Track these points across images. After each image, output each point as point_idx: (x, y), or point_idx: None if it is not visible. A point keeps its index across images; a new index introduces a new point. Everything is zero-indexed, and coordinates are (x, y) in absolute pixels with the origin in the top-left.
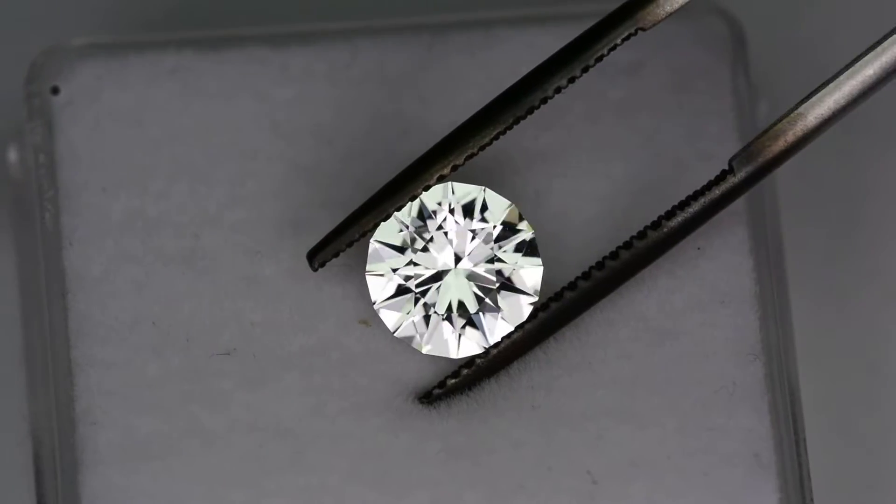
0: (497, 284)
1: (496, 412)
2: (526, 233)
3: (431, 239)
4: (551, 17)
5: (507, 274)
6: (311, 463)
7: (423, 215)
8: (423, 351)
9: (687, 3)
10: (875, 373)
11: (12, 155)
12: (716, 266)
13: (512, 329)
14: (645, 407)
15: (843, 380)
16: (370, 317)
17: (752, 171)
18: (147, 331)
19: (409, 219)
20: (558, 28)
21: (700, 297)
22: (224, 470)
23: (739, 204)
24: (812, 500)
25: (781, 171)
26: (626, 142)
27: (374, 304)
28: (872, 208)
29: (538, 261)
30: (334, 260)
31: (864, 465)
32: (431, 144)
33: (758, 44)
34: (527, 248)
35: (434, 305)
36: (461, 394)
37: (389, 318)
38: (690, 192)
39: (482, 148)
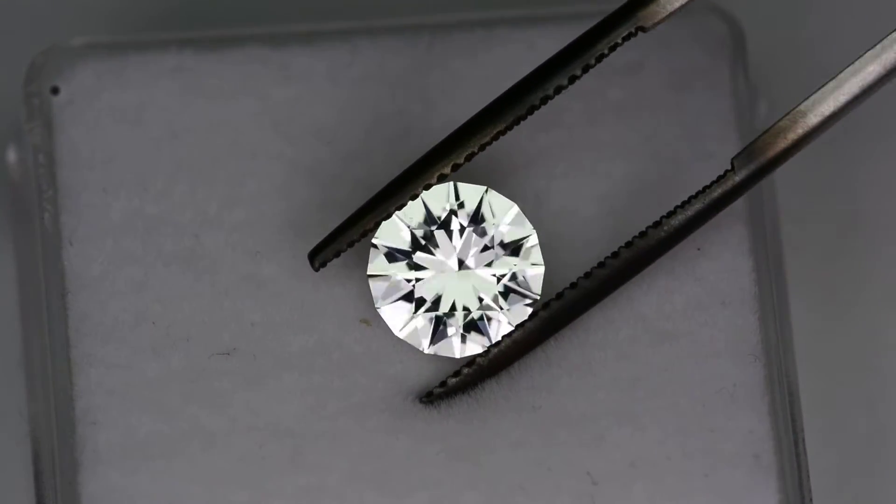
0: (499, 285)
1: (496, 413)
2: (528, 234)
3: (434, 240)
4: (551, 18)
5: (509, 275)
6: (311, 463)
7: (426, 216)
8: (426, 351)
9: (687, 3)
10: (874, 373)
11: (12, 155)
12: (716, 266)
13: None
14: (645, 408)
15: (843, 380)
16: (371, 316)
17: (753, 170)
18: (147, 331)
19: (412, 220)
20: (558, 28)
21: (700, 298)
22: (224, 470)
23: (739, 204)
24: (811, 500)
25: (781, 172)
26: (625, 142)
27: (376, 305)
28: (871, 209)
29: (540, 262)
30: (334, 259)
31: (864, 466)
32: (432, 144)
33: (757, 44)
34: (529, 250)
35: (437, 306)
36: (462, 393)
37: (392, 318)
38: (690, 192)
39: (483, 147)
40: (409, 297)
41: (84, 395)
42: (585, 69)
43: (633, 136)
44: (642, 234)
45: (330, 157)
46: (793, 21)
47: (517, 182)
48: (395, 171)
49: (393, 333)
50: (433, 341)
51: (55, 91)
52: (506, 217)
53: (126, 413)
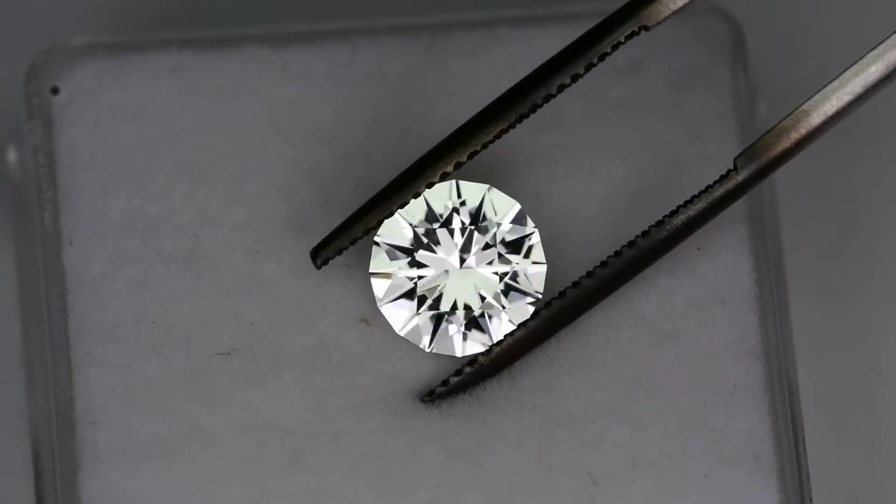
0: (501, 284)
1: (497, 412)
2: (530, 232)
3: (436, 238)
4: (551, 17)
5: (511, 274)
6: (311, 463)
7: (429, 215)
8: (428, 350)
9: (690, 3)
10: (874, 373)
11: (12, 155)
12: (716, 266)
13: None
14: (645, 408)
15: (843, 380)
16: (371, 315)
17: (756, 170)
18: (147, 330)
19: (415, 218)
20: (558, 28)
21: (700, 298)
22: (224, 470)
23: (739, 204)
24: (811, 500)
25: (781, 171)
26: (625, 142)
27: (378, 302)
28: (871, 208)
29: (542, 260)
30: (334, 259)
31: (864, 466)
32: (431, 144)
33: (757, 44)
34: (531, 249)
35: (438, 304)
36: (463, 392)
37: (394, 316)
38: (690, 192)
39: (486, 145)
40: (410, 294)
41: (84, 395)
42: (588, 68)
43: (634, 135)
44: (644, 234)
45: (330, 157)
46: (793, 21)
47: (518, 182)
48: (395, 171)
49: (393, 333)
50: (434, 339)
51: (55, 91)
52: (508, 215)
53: (126, 413)
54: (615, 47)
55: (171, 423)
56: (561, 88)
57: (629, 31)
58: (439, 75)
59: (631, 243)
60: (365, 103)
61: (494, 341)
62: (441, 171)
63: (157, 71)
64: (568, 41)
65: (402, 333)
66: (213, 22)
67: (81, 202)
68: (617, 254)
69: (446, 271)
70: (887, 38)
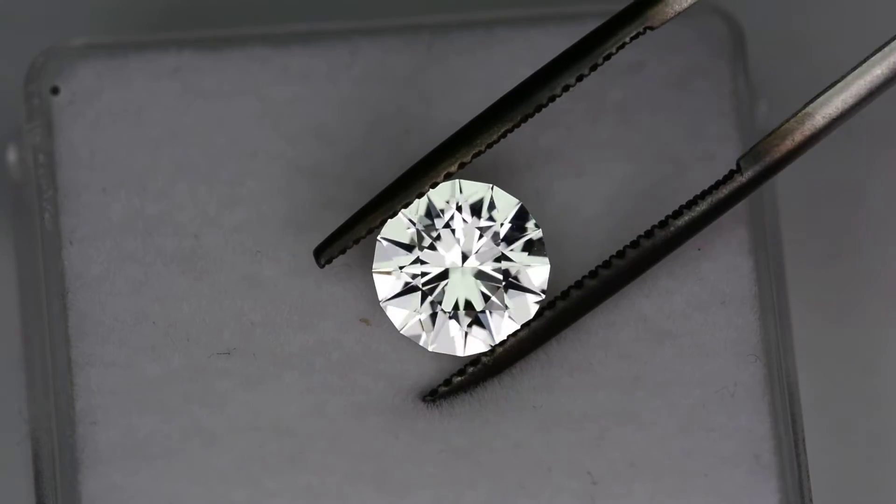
0: (504, 283)
1: (497, 412)
2: (533, 231)
3: (439, 237)
4: (551, 17)
5: (513, 272)
6: (311, 463)
7: (431, 213)
8: (430, 349)
9: (695, 2)
10: (874, 373)
11: (12, 155)
12: (716, 267)
13: (518, 327)
14: (645, 407)
15: (843, 380)
16: (370, 316)
17: (759, 171)
18: (147, 330)
19: (417, 216)
20: (558, 28)
21: (701, 298)
22: (224, 469)
23: (740, 205)
24: (811, 500)
25: (782, 173)
26: (626, 142)
27: (380, 301)
28: (872, 209)
29: (545, 259)
30: (334, 259)
31: (864, 466)
32: (432, 144)
33: (758, 44)
34: (534, 247)
35: (441, 303)
36: (464, 392)
37: (396, 315)
38: (690, 192)
39: (490, 145)
40: (413, 293)
41: (84, 395)
42: (593, 68)
43: (634, 135)
44: (648, 234)
45: (330, 157)
46: (793, 21)
47: (518, 182)
48: (396, 171)
49: (393, 333)
50: (437, 338)
51: (55, 91)
52: (510, 213)
53: (126, 413)
54: (620, 48)
55: (171, 423)
56: (566, 89)
57: (634, 32)
58: (439, 75)
59: (634, 244)
60: (365, 103)
61: (496, 340)
62: (445, 171)
63: (157, 71)
64: (568, 41)
65: (403, 332)
66: (213, 22)
67: (81, 202)
68: (620, 254)
69: (448, 269)
70: (891, 39)
